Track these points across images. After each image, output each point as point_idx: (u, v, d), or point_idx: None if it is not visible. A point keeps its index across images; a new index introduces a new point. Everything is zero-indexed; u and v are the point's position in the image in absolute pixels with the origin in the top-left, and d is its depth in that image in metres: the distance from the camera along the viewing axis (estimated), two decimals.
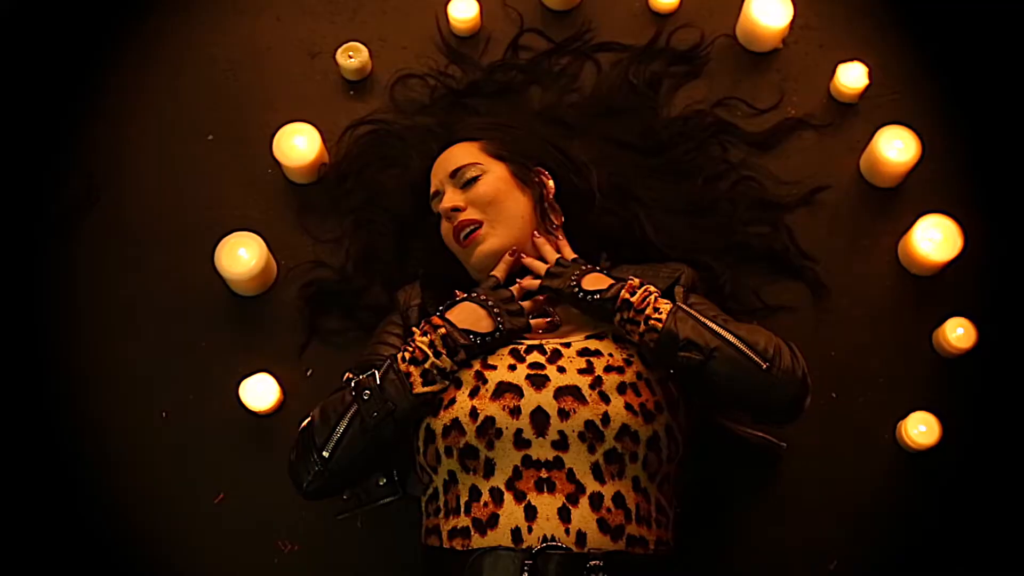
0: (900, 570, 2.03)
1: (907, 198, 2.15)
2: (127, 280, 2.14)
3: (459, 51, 2.24)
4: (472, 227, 1.82)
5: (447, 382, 1.67)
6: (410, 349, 1.68)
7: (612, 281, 1.71)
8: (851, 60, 2.18)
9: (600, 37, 2.24)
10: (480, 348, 1.69)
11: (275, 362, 2.08)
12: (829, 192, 2.16)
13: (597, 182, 1.94)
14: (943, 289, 2.11)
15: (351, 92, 2.24)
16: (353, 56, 2.21)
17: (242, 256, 2.06)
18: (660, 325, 1.64)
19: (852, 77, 2.17)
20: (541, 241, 1.84)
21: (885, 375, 2.09)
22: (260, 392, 2.04)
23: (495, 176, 1.85)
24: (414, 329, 1.72)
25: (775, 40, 2.22)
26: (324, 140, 2.15)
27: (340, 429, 1.66)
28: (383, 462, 1.81)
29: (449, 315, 1.71)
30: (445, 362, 1.66)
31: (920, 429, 2.01)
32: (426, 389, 1.65)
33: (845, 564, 2.03)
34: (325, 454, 1.66)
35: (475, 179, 1.84)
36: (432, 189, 1.91)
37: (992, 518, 2.03)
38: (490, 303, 1.73)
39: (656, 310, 1.65)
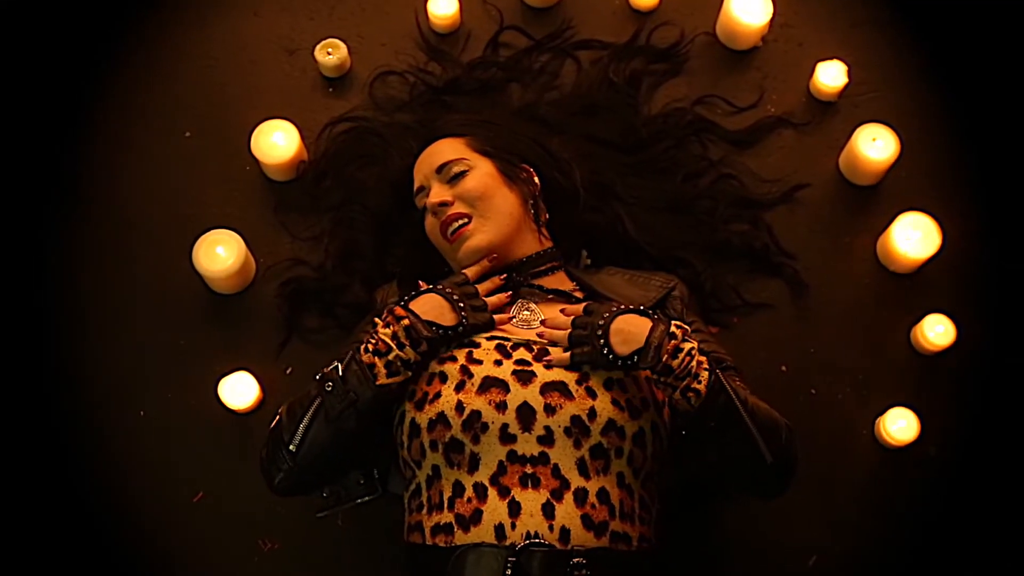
0: (879, 566, 2.04)
1: (886, 196, 2.16)
2: (104, 278, 2.12)
3: (438, 48, 2.24)
4: (461, 221, 1.80)
5: (411, 372, 1.66)
6: (373, 340, 1.66)
7: (646, 327, 1.61)
8: (830, 58, 2.19)
9: (580, 35, 2.24)
10: (443, 341, 1.68)
11: (254, 360, 2.07)
12: (808, 190, 2.17)
13: (580, 180, 1.93)
14: (922, 286, 2.12)
15: (330, 89, 2.23)
16: (332, 53, 2.20)
17: (220, 254, 2.05)
18: (696, 400, 1.59)
19: (831, 75, 2.18)
20: (549, 318, 1.73)
21: (864, 372, 2.10)
22: (239, 390, 2.03)
23: (483, 172, 1.83)
24: (376, 320, 1.70)
25: (755, 38, 2.23)
26: (303, 137, 2.14)
27: (305, 422, 1.65)
28: (353, 456, 1.77)
29: (413, 305, 1.70)
30: (409, 353, 1.65)
31: (899, 425, 2.02)
32: (390, 380, 1.64)
33: (824, 560, 2.04)
34: (292, 448, 1.66)
35: (462, 174, 1.83)
36: (416, 185, 1.89)
37: (971, 513, 2.04)
38: (455, 297, 1.72)
39: (696, 378, 1.59)
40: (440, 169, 1.84)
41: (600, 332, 1.62)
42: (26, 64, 2.21)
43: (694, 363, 1.59)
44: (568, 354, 1.65)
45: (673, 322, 1.63)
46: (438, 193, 1.83)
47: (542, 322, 1.73)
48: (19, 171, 2.16)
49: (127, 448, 2.06)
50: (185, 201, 2.16)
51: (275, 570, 2.03)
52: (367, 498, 1.85)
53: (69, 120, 2.19)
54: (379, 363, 1.64)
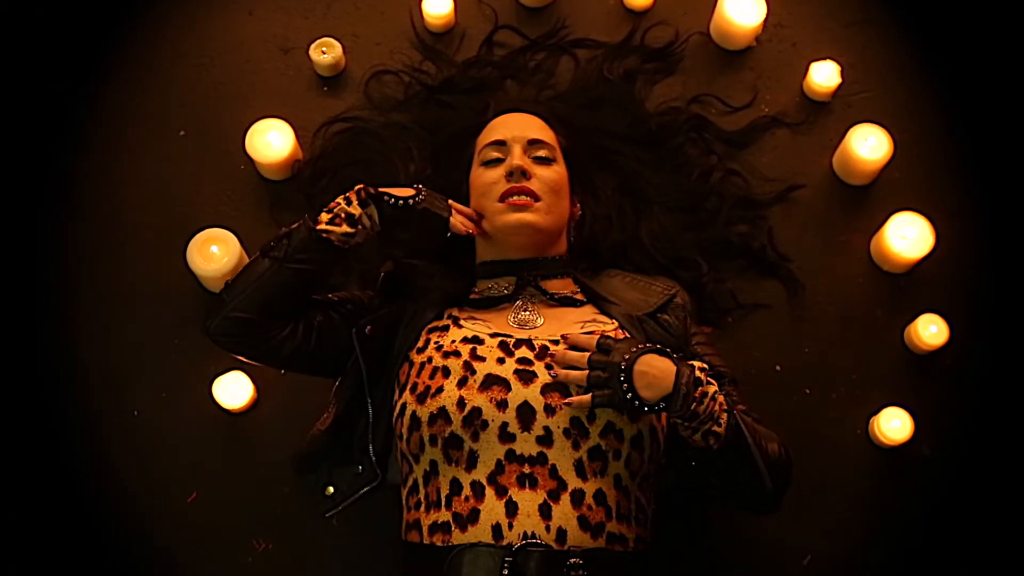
0: (874, 565, 2.05)
1: (879, 196, 2.17)
2: (99, 277, 2.12)
3: (433, 47, 2.23)
4: (528, 197, 1.80)
5: (353, 229, 1.74)
6: (329, 207, 1.76)
7: (671, 371, 1.58)
8: (824, 58, 2.19)
9: (574, 34, 2.24)
10: (391, 208, 1.76)
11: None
12: (803, 190, 2.17)
13: (612, 197, 1.99)
14: (915, 286, 2.13)
15: (325, 88, 2.23)
16: (327, 52, 2.20)
17: (215, 253, 2.04)
18: (716, 442, 1.59)
19: (825, 75, 2.18)
20: (559, 353, 1.69)
21: (858, 371, 2.10)
22: (234, 390, 2.03)
23: (562, 171, 1.87)
24: (340, 198, 1.77)
25: (749, 38, 2.23)
26: (298, 136, 2.14)
27: (248, 263, 1.77)
28: (278, 297, 1.74)
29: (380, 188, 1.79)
30: (355, 209, 1.74)
31: (892, 425, 2.03)
32: (330, 227, 1.72)
33: (819, 559, 2.05)
34: (228, 282, 1.76)
35: (550, 161, 1.85)
36: (498, 136, 1.87)
37: (964, 512, 2.05)
38: (421, 188, 1.80)
39: (716, 421, 1.59)
40: (533, 142, 1.86)
41: (622, 376, 1.59)
42: (20, 63, 2.20)
43: (716, 406, 1.59)
44: (588, 396, 1.61)
45: (696, 364, 1.61)
46: (525, 160, 1.83)
47: (550, 355, 1.67)
48: (13, 170, 2.15)
49: (121, 448, 2.05)
50: (180, 200, 2.16)
51: (268, 570, 2.03)
52: (369, 487, 1.80)
53: (64, 119, 2.18)
54: (325, 215, 1.74)
